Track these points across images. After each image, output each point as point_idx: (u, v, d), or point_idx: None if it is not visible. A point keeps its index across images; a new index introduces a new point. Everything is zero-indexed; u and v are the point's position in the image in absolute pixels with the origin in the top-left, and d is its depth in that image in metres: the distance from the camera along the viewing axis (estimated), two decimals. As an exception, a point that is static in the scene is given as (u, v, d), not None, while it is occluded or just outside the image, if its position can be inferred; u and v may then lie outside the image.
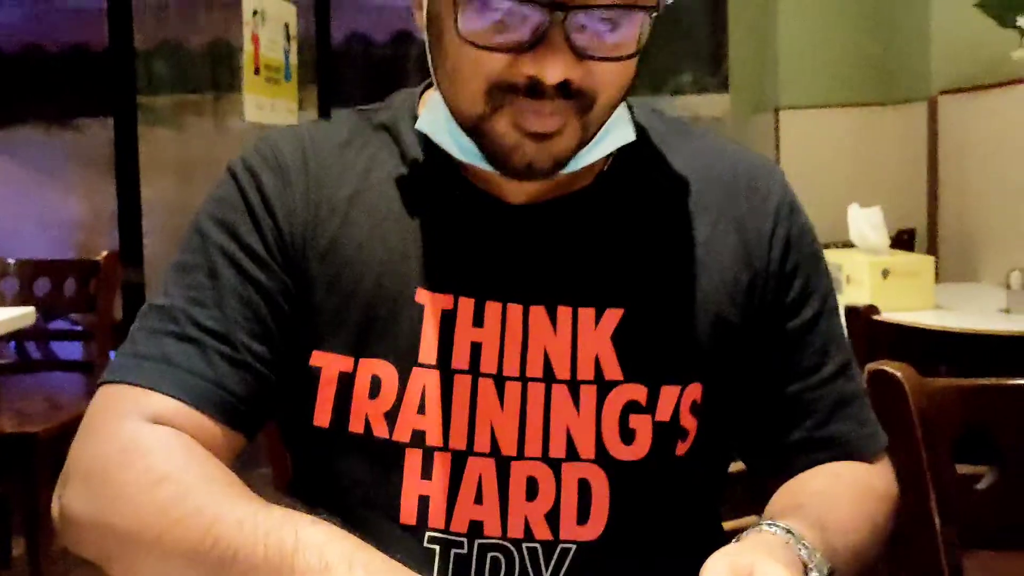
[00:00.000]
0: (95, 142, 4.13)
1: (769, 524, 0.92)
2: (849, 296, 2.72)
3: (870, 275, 2.71)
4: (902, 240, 3.37)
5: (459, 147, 0.97)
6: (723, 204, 1.05)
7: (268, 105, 2.92)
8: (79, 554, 0.93)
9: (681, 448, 1.01)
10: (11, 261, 3.62)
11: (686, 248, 1.03)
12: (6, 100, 4.21)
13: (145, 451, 0.90)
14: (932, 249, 3.50)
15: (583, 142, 0.95)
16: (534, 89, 0.89)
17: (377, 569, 0.76)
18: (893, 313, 2.37)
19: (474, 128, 0.94)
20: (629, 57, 0.92)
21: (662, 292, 1.02)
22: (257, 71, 2.86)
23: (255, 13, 2.81)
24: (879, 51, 3.83)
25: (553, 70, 0.87)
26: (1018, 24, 2.64)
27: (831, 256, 2.97)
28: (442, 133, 0.98)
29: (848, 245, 2.96)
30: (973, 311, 2.68)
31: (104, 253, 3.59)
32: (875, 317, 2.10)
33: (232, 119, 4.15)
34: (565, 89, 0.89)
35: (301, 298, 1.00)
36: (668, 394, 1.00)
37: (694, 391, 1.01)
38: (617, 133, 0.99)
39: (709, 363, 1.02)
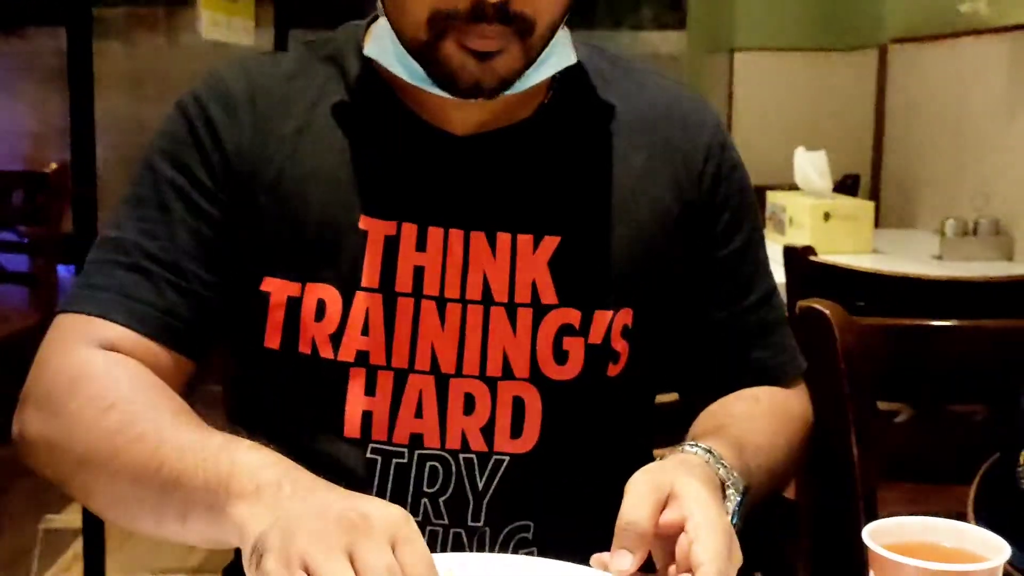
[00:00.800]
0: (43, 51, 4.05)
1: (691, 445, 0.96)
2: (791, 237, 2.74)
3: (812, 217, 2.74)
4: (846, 185, 3.39)
5: (408, 72, 0.98)
6: (658, 138, 1.08)
7: (225, 22, 2.87)
8: (39, 474, 0.95)
9: (612, 370, 1.05)
10: (-43, 170, 3.57)
11: (622, 179, 1.06)
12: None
13: (95, 378, 0.93)
14: (874, 195, 3.54)
15: (526, 64, 0.96)
16: (476, 13, 0.90)
17: (304, 487, 0.78)
18: (832, 255, 2.41)
19: (420, 53, 0.96)
20: None
21: (597, 221, 1.04)
22: (213, -13, 2.80)
23: (212, -75, 2.76)
24: (833, -3, 3.85)
25: None
26: (967, -23, 2.67)
27: (776, 197, 3.03)
28: (390, 60, 1.00)
29: (793, 187, 2.97)
30: (908, 256, 2.73)
31: (53, 165, 3.54)
32: (812, 258, 2.13)
33: (186, 35, 4.08)
34: (504, 13, 0.91)
35: (250, 227, 1.02)
36: (601, 318, 1.03)
37: (625, 316, 1.04)
38: (559, 56, 1.00)
39: (640, 289, 1.05)
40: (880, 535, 0.77)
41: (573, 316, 1.02)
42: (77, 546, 2.77)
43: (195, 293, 1.00)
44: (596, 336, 1.03)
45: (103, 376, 0.93)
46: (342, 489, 0.79)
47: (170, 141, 1.04)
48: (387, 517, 0.72)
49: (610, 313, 1.04)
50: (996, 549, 0.76)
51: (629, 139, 1.08)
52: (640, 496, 0.83)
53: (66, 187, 3.42)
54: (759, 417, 1.07)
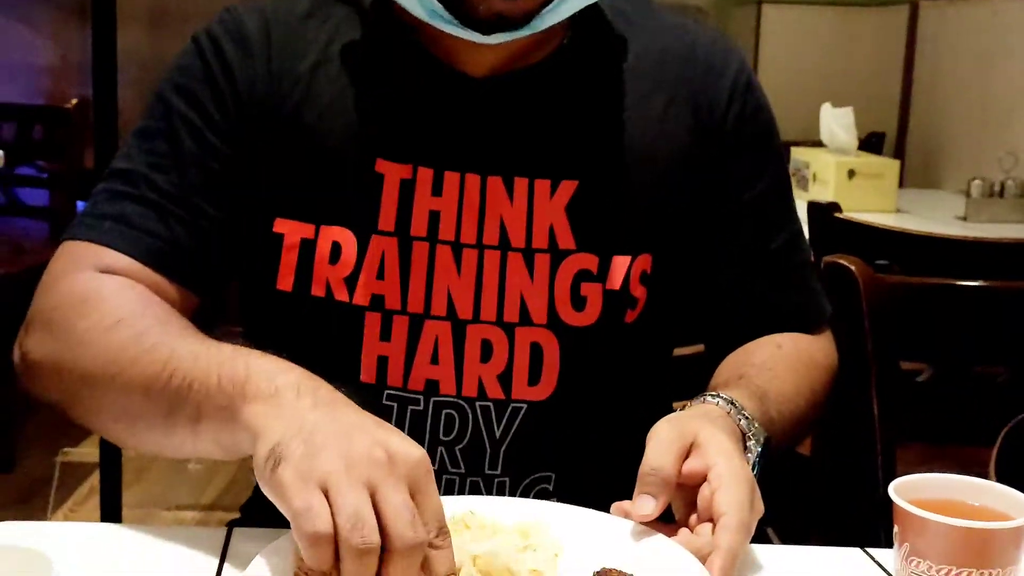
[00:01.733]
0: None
1: (712, 395, 0.96)
2: (814, 193, 2.74)
3: (836, 174, 2.71)
4: (871, 143, 3.36)
5: (424, 7, 0.95)
6: (680, 81, 1.06)
7: (247, -39, 2.84)
8: (41, 398, 0.96)
9: (630, 316, 1.04)
10: (-22, 103, 3.56)
11: (641, 122, 1.04)
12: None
13: (102, 299, 0.93)
14: (899, 154, 3.52)
15: (544, 2, 0.94)
16: None
17: (323, 397, 0.79)
18: (855, 213, 2.40)
19: None
20: None
21: (616, 165, 1.03)
22: (237, -76, 2.77)
23: None
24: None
25: None
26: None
27: (798, 154, 3.01)
28: (409, 1, 0.96)
29: (818, 144, 2.95)
30: (932, 216, 2.70)
31: (74, 101, 3.53)
32: (836, 215, 2.12)
33: (208, -27, 4.04)
34: None
35: (263, 167, 1.01)
36: (619, 264, 1.02)
37: (644, 261, 1.03)
38: (574, 2, 0.97)
39: (660, 234, 1.04)
40: (905, 491, 0.77)
41: (591, 261, 1.02)
42: (93, 479, 2.80)
43: (201, 228, 1.00)
44: (614, 282, 1.02)
45: (111, 296, 0.93)
46: (357, 407, 0.80)
47: (184, 76, 1.03)
48: (410, 459, 0.72)
49: (628, 258, 1.03)
50: (1021, 507, 0.75)
51: (649, 81, 1.06)
52: (664, 443, 0.83)
53: (87, 122, 3.41)
54: (782, 365, 1.06)
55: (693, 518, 0.83)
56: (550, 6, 0.95)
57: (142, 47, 3.60)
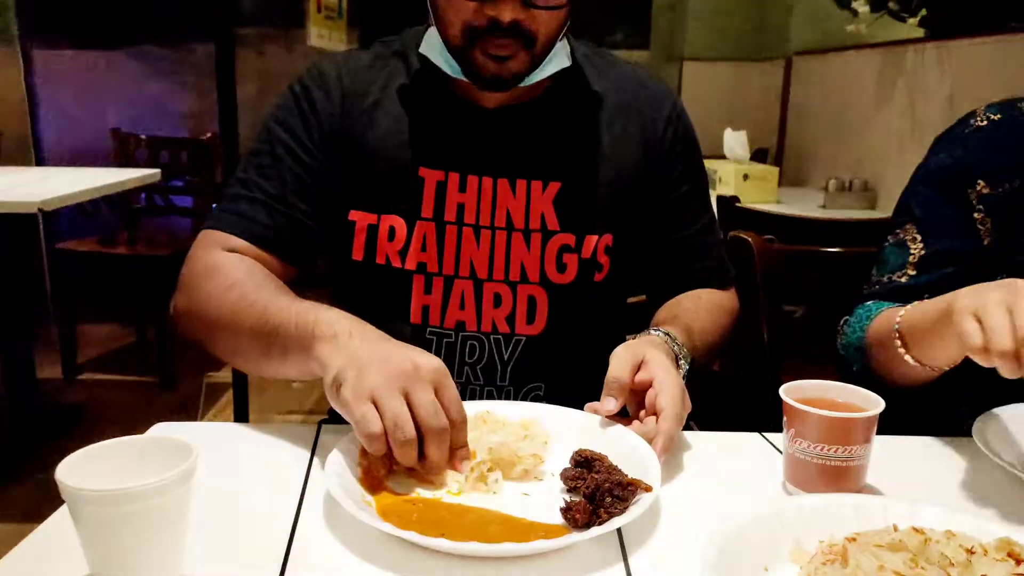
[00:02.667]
0: (202, 58, 3.99)
1: (654, 329, 0.95)
2: (719, 191, 2.71)
3: (735, 177, 2.70)
4: (758, 155, 3.34)
5: (449, 66, 0.97)
6: (632, 112, 1.05)
7: (326, 35, 2.81)
8: (185, 338, 0.96)
9: (598, 277, 1.03)
10: (143, 136, 3.53)
11: (605, 141, 1.03)
12: (140, 24, 4.05)
13: (221, 269, 0.93)
14: (778, 162, 3.49)
15: (531, 66, 0.95)
16: (494, 27, 0.89)
17: (369, 337, 0.78)
18: (749, 203, 2.38)
19: (457, 54, 0.94)
20: (560, 7, 0.92)
21: (588, 171, 1.02)
22: (319, 10, 2.74)
23: (318, -33, 2.68)
24: (755, 22, 3.73)
25: (506, 13, 0.88)
26: (852, 6, 2.56)
27: (709, 164, 2.97)
28: (437, 57, 0.98)
29: (722, 156, 2.93)
30: (802, 205, 2.68)
31: (208, 135, 3.51)
32: (737, 205, 2.10)
33: (299, 45, 4.01)
34: (515, 28, 0.90)
35: (339, 173, 1.01)
36: (590, 240, 1.02)
37: (607, 239, 1.03)
38: (556, 61, 0.99)
39: (618, 220, 1.04)
40: (791, 392, 0.75)
41: (570, 239, 1.01)
42: (229, 394, 2.80)
43: (295, 218, 0.99)
44: (586, 253, 1.02)
45: (228, 267, 0.93)
46: (396, 341, 0.79)
47: (281, 111, 1.03)
48: (431, 367, 0.73)
49: (596, 237, 1.02)
50: (875, 402, 0.74)
51: (611, 111, 1.05)
52: (622, 360, 0.83)
53: (217, 150, 3.39)
54: (701, 310, 1.05)
55: (642, 414, 0.82)
56: (533, 72, 0.95)
57: (253, 98, 3.57)
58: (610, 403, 0.81)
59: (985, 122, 1.01)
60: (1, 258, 2.62)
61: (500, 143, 1.01)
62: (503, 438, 0.76)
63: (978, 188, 0.98)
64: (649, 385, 0.82)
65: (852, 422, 0.71)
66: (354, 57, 1.05)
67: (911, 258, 1.01)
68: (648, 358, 0.84)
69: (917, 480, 0.80)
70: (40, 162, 3.95)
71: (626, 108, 1.05)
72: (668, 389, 0.80)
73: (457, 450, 0.74)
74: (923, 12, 2.31)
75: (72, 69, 3.97)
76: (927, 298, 0.92)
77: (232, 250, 0.96)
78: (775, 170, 2.80)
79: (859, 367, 1.01)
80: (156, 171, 2.81)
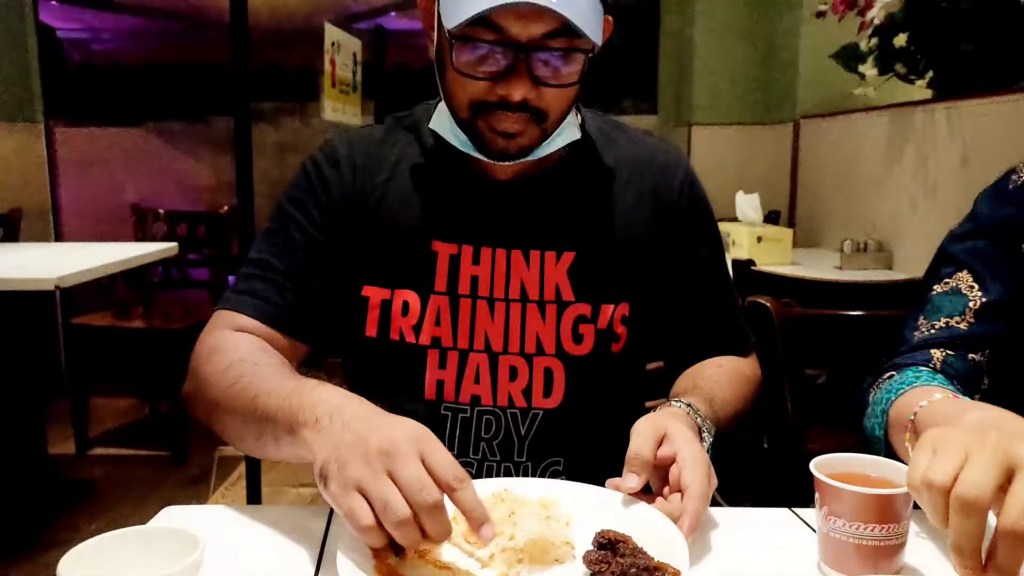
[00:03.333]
0: (218, 132, 4.09)
1: (675, 400, 0.92)
2: (734, 254, 2.70)
3: (748, 240, 2.68)
4: (771, 217, 3.34)
5: (458, 141, 0.96)
6: (645, 180, 1.04)
7: (340, 109, 2.86)
8: (195, 420, 0.94)
9: (615, 347, 1.01)
10: (161, 211, 3.58)
11: (619, 211, 1.02)
12: (160, 102, 4.16)
13: (222, 350, 0.91)
14: (791, 224, 3.48)
15: (540, 141, 0.94)
16: (504, 105, 0.89)
17: (349, 416, 0.73)
18: (764, 266, 2.37)
19: (465, 127, 0.94)
20: (571, 85, 0.91)
21: (602, 241, 1.01)
22: (334, 85, 2.79)
23: (333, 44, 2.75)
24: (761, 87, 3.78)
25: (517, 93, 0.88)
26: (859, 70, 2.59)
27: (722, 227, 2.96)
28: (447, 131, 0.97)
29: (734, 219, 2.93)
30: (817, 266, 2.66)
31: (225, 208, 3.56)
32: (752, 268, 2.08)
33: (311, 119, 4.10)
34: (525, 105, 0.89)
35: (351, 249, 1.00)
36: (606, 310, 1.00)
37: (624, 308, 1.01)
38: (567, 134, 0.98)
39: (634, 289, 1.02)
40: (823, 466, 0.72)
41: (586, 309, 0.99)
42: (241, 468, 2.77)
43: (306, 294, 0.98)
44: (603, 323, 1.00)
45: (228, 347, 0.91)
46: (377, 415, 0.74)
47: (294, 190, 1.02)
48: (411, 436, 0.68)
49: (612, 306, 1.00)
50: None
51: (624, 180, 1.04)
52: (644, 435, 0.80)
53: (234, 223, 3.43)
54: (723, 379, 1.02)
55: (666, 491, 0.79)
56: (541, 145, 0.95)
57: (270, 171, 3.63)
58: (632, 480, 0.78)
59: None
60: (17, 334, 2.63)
61: (513, 215, 1.00)
62: (535, 526, 0.72)
63: None
64: (672, 460, 0.78)
65: (890, 499, 0.67)
66: (366, 133, 1.05)
67: (971, 304, 0.95)
68: (671, 432, 0.81)
69: (959, 558, 0.76)
70: (59, 237, 4.01)
71: (639, 177, 1.04)
72: (693, 465, 0.77)
73: (470, 514, 0.66)
74: (930, 74, 2.33)
75: (94, 145, 4.07)
76: (985, 355, 0.89)
77: (242, 329, 0.95)
78: (789, 232, 2.79)
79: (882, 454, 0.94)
80: (173, 245, 2.84)
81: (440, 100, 0.99)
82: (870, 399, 0.96)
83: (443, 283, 0.98)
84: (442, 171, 1.01)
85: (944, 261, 1.01)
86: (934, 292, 0.99)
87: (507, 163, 0.95)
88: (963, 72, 2.29)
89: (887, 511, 0.67)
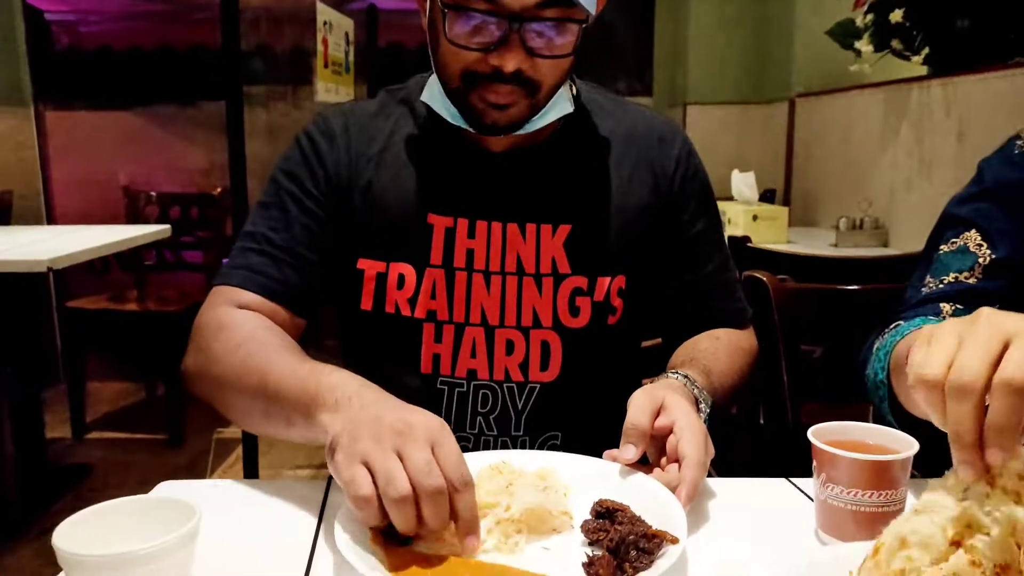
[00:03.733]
0: (209, 116, 4.06)
1: (672, 372, 0.92)
2: (730, 232, 2.69)
3: (744, 218, 2.69)
4: (766, 196, 3.34)
5: (449, 113, 0.96)
6: (641, 152, 1.04)
7: (333, 90, 2.84)
8: (196, 397, 0.93)
9: (611, 320, 1.01)
10: (154, 194, 3.56)
11: (615, 182, 1.02)
12: (150, 85, 4.12)
13: (228, 327, 0.91)
14: (786, 202, 3.48)
15: (532, 112, 0.93)
16: (496, 75, 0.88)
17: (370, 401, 0.73)
18: (760, 244, 2.37)
19: (456, 99, 0.93)
20: (565, 56, 0.91)
21: (598, 213, 1.01)
22: (326, 65, 2.77)
23: (325, 23, 2.72)
24: (756, 65, 3.76)
25: (510, 63, 0.87)
26: (855, 47, 2.58)
27: (718, 205, 2.97)
28: (438, 103, 0.97)
29: (730, 198, 2.93)
30: (813, 244, 2.67)
31: (218, 189, 3.54)
32: (748, 245, 2.08)
33: (304, 101, 4.08)
34: (518, 76, 0.88)
35: (347, 222, 0.99)
36: (602, 283, 0.99)
37: (620, 280, 1.01)
38: (559, 107, 0.97)
39: (630, 261, 1.01)
40: (820, 434, 0.72)
41: (582, 282, 0.99)
42: (238, 450, 2.77)
43: (305, 269, 0.98)
44: (599, 296, 0.99)
45: (234, 325, 0.91)
46: (397, 401, 0.74)
47: (288, 163, 1.02)
48: (427, 424, 0.68)
49: (609, 279, 1.00)
50: (908, 444, 0.70)
51: (619, 152, 1.03)
52: (640, 406, 0.80)
53: (227, 204, 3.42)
54: (720, 351, 1.02)
55: (663, 460, 0.79)
56: (534, 118, 0.94)
57: (262, 151, 3.60)
58: (630, 451, 0.78)
59: None
60: (11, 316, 2.62)
61: (508, 188, 0.99)
62: (532, 496, 0.72)
63: None
64: (670, 431, 0.79)
65: (886, 465, 0.67)
66: (360, 106, 1.05)
67: (980, 260, 0.95)
68: (667, 402, 0.81)
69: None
70: (51, 220, 3.99)
71: (635, 148, 1.03)
72: (690, 434, 0.77)
73: (463, 519, 0.66)
74: (926, 50, 2.32)
75: (84, 129, 4.03)
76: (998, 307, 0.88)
77: (243, 305, 0.94)
78: (784, 210, 2.79)
79: (886, 407, 0.96)
80: (166, 227, 2.83)
81: (432, 73, 0.98)
82: (874, 348, 0.96)
83: (439, 256, 0.97)
84: (436, 144, 1.01)
85: (949, 223, 1.00)
86: (941, 251, 0.99)
87: (498, 136, 0.94)
88: (959, 48, 2.28)
89: (884, 477, 0.67)
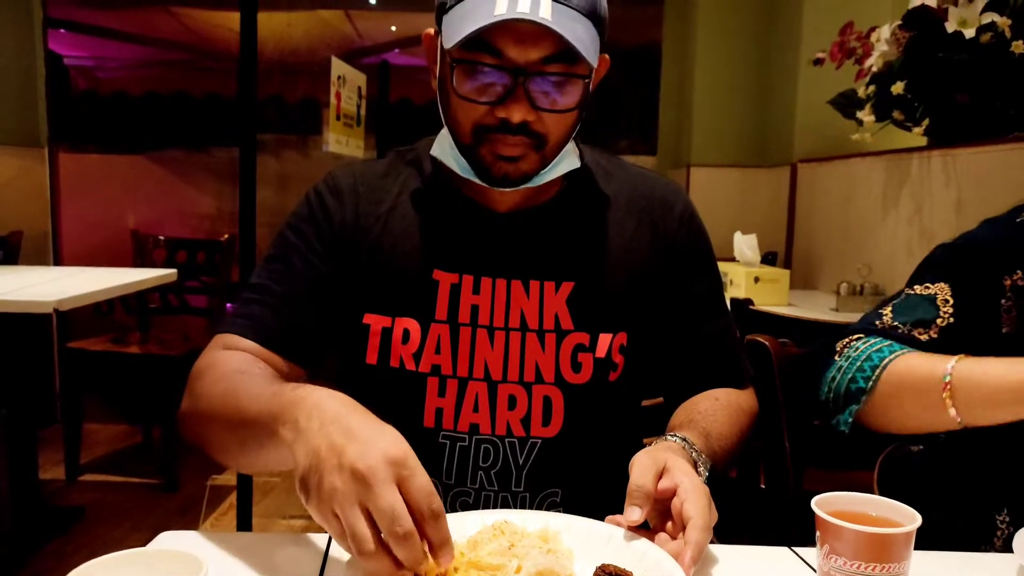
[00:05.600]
0: (220, 162, 4.12)
1: (671, 435, 0.92)
2: (731, 293, 2.71)
3: (746, 280, 2.70)
4: (768, 258, 3.36)
5: (459, 166, 0.98)
6: (643, 212, 1.06)
7: (344, 142, 2.89)
8: (188, 442, 0.93)
9: (613, 376, 1.02)
10: (162, 238, 3.59)
11: (617, 241, 1.04)
12: (163, 131, 4.19)
13: (215, 365, 0.92)
14: (788, 265, 3.50)
15: (540, 166, 0.96)
16: (504, 127, 0.91)
17: (332, 416, 0.70)
18: (762, 306, 2.37)
19: (467, 153, 0.95)
20: (569, 111, 0.93)
21: (600, 271, 1.02)
22: (338, 118, 2.82)
23: (339, 77, 2.78)
24: (759, 130, 3.83)
25: (516, 115, 0.90)
26: (856, 116, 2.63)
27: (720, 266, 2.98)
28: (448, 158, 0.99)
29: (732, 259, 2.94)
30: (814, 308, 2.67)
31: (226, 236, 3.57)
32: (750, 307, 2.09)
33: (315, 151, 4.13)
34: (525, 128, 0.91)
35: (353, 278, 1.01)
36: (604, 339, 1.00)
37: (622, 337, 1.02)
38: (566, 162, 1.00)
39: (631, 318, 1.03)
40: (824, 504, 0.72)
41: (584, 338, 1.00)
42: (232, 498, 2.74)
43: (303, 319, 0.99)
44: (601, 352, 1.00)
45: (221, 364, 0.92)
46: (357, 415, 0.71)
47: (296, 219, 1.04)
48: (389, 458, 0.65)
49: (611, 336, 1.01)
50: (911, 516, 0.70)
51: (622, 212, 1.05)
52: (644, 468, 0.80)
53: (234, 251, 3.44)
54: (719, 412, 1.02)
55: (669, 525, 0.79)
56: (542, 172, 0.96)
57: (272, 200, 3.65)
58: (635, 513, 0.77)
59: None
60: (12, 356, 2.62)
61: (513, 246, 1.01)
62: (541, 559, 0.72)
63: (1015, 277, 0.98)
64: (673, 493, 0.78)
65: (891, 538, 0.67)
66: (370, 166, 1.07)
67: (939, 320, 1.00)
68: (670, 464, 0.81)
69: (959, 600, 0.76)
70: (59, 261, 4.01)
71: (637, 208, 1.05)
72: (695, 496, 0.77)
73: (435, 546, 0.65)
74: (927, 122, 2.37)
75: (96, 171, 4.09)
76: None
77: (235, 349, 0.96)
78: (786, 273, 2.80)
79: (850, 415, 0.98)
80: (172, 271, 2.84)
81: (442, 130, 1.01)
82: (836, 356, 1.01)
83: (444, 312, 0.98)
84: (444, 203, 1.03)
85: (931, 266, 1.05)
86: (914, 291, 1.02)
87: (508, 190, 0.96)
88: (959, 121, 2.32)
89: (888, 550, 0.67)
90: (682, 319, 1.06)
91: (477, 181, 0.96)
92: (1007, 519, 1.00)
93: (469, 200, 1.02)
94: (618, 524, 0.79)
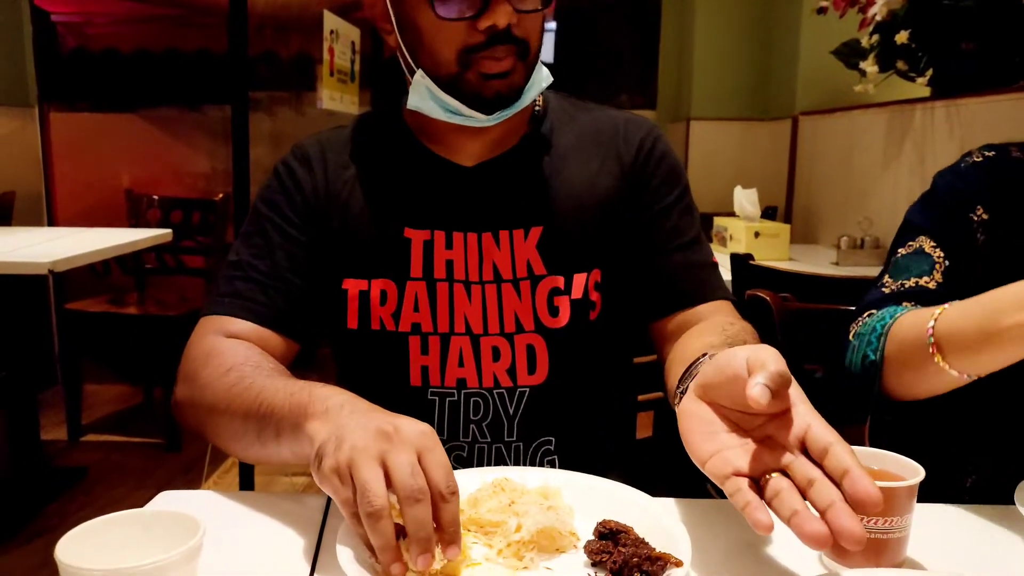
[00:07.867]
0: (213, 120, 4.07)
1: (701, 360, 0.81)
2: (731, 248, 2.70)
3: (746, 235, 2.69)
4: (768, 213, 3.34)
5: (443, 109, 0.97)
6: (607, 148, 1.05)
7: (338, 98, 2.84)
8: (186, 428, 0.93)
9: (592, 315, 1.01)
10: (156, 198, 3.56)
11: (582, 181, 1.03)
12: (154, 88, 4.13)
13: (219, 354, 0.91)
14: (788, 220, 3.49)
15: (526, 79, 0.96)
16: (491, 40, 0.91)
17: (360, 410, 0.73)
18: (762, 261, 2.36)
19: (452, 85, 0.94)
20: (546, 5, 0.94)
21: (568, 212, 1.01)
22: (332, 74, 2.78)
23: (332, 32, 2.73)
24: (760, 83, 3.78)
25: (502, 18, 0.90)
26: (860, 67, 2.58)
27: (720, 221, 2.97)
28: (428, 102, 0.97)
29: (732, 214, 2.93)
30: (814, 262, 2.67)
31: (220, 195, 3.54)
32: (751, 263, 2.08)
33: (309, 108, 4.09)
34: (510, 34, 0.91)
35: (328, 244, 1.01)
36: (578, 279, 1.00)
37: (596, 275, 1.01)
38: (540, 84, 0.99)
39: (603, 254, 1.02)
40: (825, 459, 0.71)
41: (559, 281, 1.00)
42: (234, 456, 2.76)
43: (291, 293, 0.99)
44: (577, 293, 1.00)
45: (224, 352, 0.91)
46: (388, 412, 0.73)
47: (268, 192, 1.04)
48: (414, 431, 0.67)
49: (584, 275, 1.01)
50: (914, 470, 0.70)
51: (585, 151, 1.05)
52: (773, 355, 0.65)
53: (228, 210, 3.42)
54: (749, 337, 0.92)
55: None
56: (527, 89, 0.96)
57: (265, 158, 3.61)
58: (766, 395, 0.62)
59: (980, 159, 1.06)
60: (10, 319, 2.62)
61: (481, 198, 1.02)
62: (540, 516, 0.72)
63: (978, 212, 1.02)
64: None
65: (893, 492, 0.67)
66: (335, 133, 1.08)
67: (937, 265, 1.01)
68: (754, 352, 0.66)
69: (958, 551, 0.76)
70: (52, 222, 3.99)
71: (601, 144, 1.05)
72: (765, 351, 0.65)
73: (445, 531, 0.64)
74: (931, 72, 2.33)
75: (88, 131, 4.04)
76: None
77: (233, 334, 0.95)
78: (786, 227, 2.79)
79: (876, 388, 0.95)
80: (168, 231, 2.83)
81: (415, 78, 0.98)
82: (850, 337, 1.00)
83: (419, 269, 0.99)
84: (410, 161, 1.03)
85: (907, 229, 1.07)
86: (899, 255, 1.05)
87: (497, 117, 0.95)
88: (964, 70, 2.28)
89: (890, 503, 0.67)
90: (653, 240, 1.03)
91: (466, 114, 0.95)
92: (973, 478, 1.02)
93: (435, 156, 1.03)
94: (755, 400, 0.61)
